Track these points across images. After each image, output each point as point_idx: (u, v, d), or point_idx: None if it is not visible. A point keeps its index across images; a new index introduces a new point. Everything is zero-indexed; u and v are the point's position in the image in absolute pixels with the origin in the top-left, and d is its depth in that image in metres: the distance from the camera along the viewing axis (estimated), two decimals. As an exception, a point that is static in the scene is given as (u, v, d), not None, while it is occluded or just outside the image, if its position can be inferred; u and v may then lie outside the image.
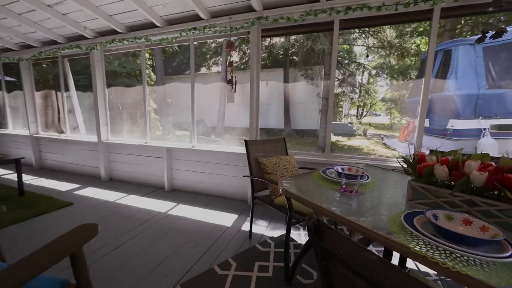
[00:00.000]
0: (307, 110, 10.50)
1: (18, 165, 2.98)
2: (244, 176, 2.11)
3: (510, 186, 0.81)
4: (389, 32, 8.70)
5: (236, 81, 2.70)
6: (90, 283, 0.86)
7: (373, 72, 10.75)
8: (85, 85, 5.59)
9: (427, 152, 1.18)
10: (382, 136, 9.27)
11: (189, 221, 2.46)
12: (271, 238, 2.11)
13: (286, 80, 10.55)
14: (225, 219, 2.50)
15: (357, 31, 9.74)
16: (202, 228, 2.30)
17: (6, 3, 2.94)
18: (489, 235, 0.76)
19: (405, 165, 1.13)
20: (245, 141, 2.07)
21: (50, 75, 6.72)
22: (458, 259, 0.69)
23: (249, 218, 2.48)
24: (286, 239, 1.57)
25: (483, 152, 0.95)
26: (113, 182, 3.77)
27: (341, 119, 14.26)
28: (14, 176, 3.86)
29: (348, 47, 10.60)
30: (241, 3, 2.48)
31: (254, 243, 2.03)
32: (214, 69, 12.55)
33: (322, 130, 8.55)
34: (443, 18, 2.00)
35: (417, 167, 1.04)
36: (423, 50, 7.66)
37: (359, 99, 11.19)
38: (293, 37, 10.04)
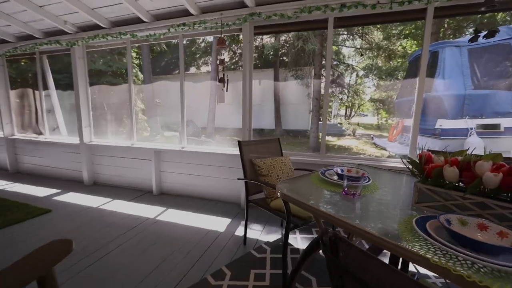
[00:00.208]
0: (298, 111, 10.54)
1: (-11, 169, 2.73)
2: (238, 179, 2.01)
3: (527, 188, 0.76)
4: (377, 34, 8.89)
5: (228, 79, 2.60)
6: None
7: (362, 73, 10.96)
8: (67, 84, 5.29)
9: (418, 152, 1.13)
10: (372, 136, 9.44)
11: (179, 226, 2.32)
12: (267, 243, 2.02)
13: (276, 80, 10.54)
14: (217, 223, 2.39)
15: (345, 33, 9.90)
16: (194, 234, 2.18)
17: (-25, -7, 2.70)
18: (509, 241, 0.71)
19: (410, 166, 1.08)
20: (239, 142, 1.98)
21: (29, 73, 6.33)
22: (482, 270, 0.63)
23: (243, 222, 2.39)
24: (284, 246, 1.49)
25: (493, 152, 0.90)
26: (97, 187, 3.55)
27: (331, 119, 14.46)
28: (-15, 182, 3.56)
29: (337, 48, 10.75)
30: (232, -2, 2.38)
31: (249, 249, 1.93)
32: (204, 69, 12.34)
33: (313, 130, 8.58)
34: (437, 17, 2.00)
35: (424, 168, 0.99)
36: (409, 52, 7.88)
37: (348, 100, 11.37)
38: (283, 37, 10.05)
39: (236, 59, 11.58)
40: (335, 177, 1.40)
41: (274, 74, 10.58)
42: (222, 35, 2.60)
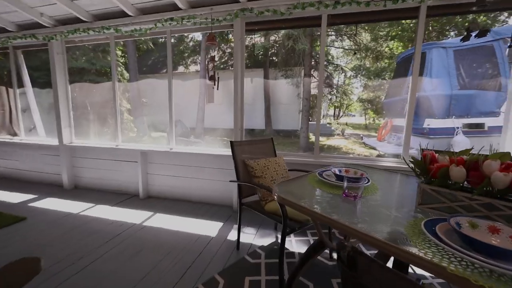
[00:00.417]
0: (288, 111, 10.55)
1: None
2: (230, 181, 1.92)
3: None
4: (365, 35, 9.05)
5: (219, 77, 2.50)
6: None
7: (350, 73, 11.13)
8: (46, 82, 4.97)
9: (411, 151, 1.10)
10: (361, 136, 9.60)
11: (168, 232, 2.20)
12: (261, 247, 1.94)
13: (266, 82, 10.50)
14: (209, 228, 2.28)
15: (333, 34, 10.01)
16: (184, 240, 2.06)
17: None
18: (524, 245, 0.67)
19: (413, 166, 1.03)
20: (231, 142, 1.89)
21: (4, 70, 5.92)
22: (503, 278, 0.58)
23: (235, 226, 2.30)
24: (280, 251, 1.41)
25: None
26: (78, 191, 3.34)
27: (320, 119, 14.60)
28: (-48, 188, 3.25)
29: (326, 49, 10.85)
30: (223, -8, 2.29)
31: (242, 254, 1.84)
32: (193, 68, 12.10)
33: (303, 130, 8.60)
34: (429, 16, 2.00)
35: (430, 168, 0.94)
36: (396, 53, 8.08)
37: (337, 100, 11.51)
38: (272, 37, 10.02)
39: (226, 58, 11.44)
40: (333, 178, 1.34)
41: (264, 74, 10.55)
42: (212, 32, 2.49)
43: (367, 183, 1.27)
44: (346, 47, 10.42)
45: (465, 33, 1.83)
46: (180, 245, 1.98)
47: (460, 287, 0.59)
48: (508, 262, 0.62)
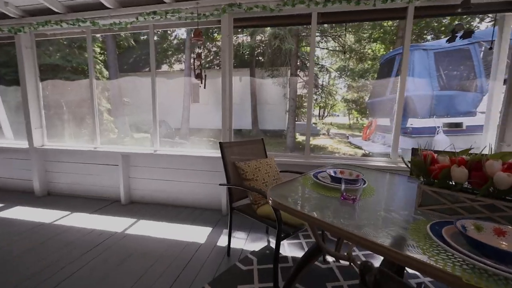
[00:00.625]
0: (274, 111, 10.56)
1: None
2: (220, 185, 1.82)
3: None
4: (349, 37, 9.25)
5: (206, 75, 2.39)
6: None
7: (335, 74, 11.34)
8: (13, 79, 4.56)
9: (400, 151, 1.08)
10: (347, 135, 9.81)
11: (153, 240, 2.06)
12: (253, 252, 1.87)
13: (252, 80, 10.43)
14: (197, 233, 2.17)
15: (318, 34, 10.15)
16: (171, 248, 1.93)
17: None
18: (533, 248, 0.65)
19: (412, 167, 1.01)
20: (220, 143, 1.80)
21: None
22: (520, 287, 0.54)
23: (225, 231, 2.21)
24: (275, 257, 1.35)
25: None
26: (52, 198, 3.07)
27: (305, 119, 14.78)
28: None
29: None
30: (210, -14, 2.19)
31: (233, 261, 1.76)
32: (177, 67, 11.74)
33: (290, 130, 8.64)
34: (417, 17, 2.03)
35: (431, 169, 0.92)
36: (379, 55, 8.35)
37: (322, 100, 11.68)
38: (258, 37, 9.97)
39: (211, 57, 11.22)
40: (329, 180, 1.30)
41: (251, 74, 10.47)
42: (199, 28, 2.38)
43: (364, 184, 1.23)
44: (331, 48, 10.61)
45: (451, 34, 1.87)
46: (166, 253, 1.86)
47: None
48: (510, 265, 0.59)
